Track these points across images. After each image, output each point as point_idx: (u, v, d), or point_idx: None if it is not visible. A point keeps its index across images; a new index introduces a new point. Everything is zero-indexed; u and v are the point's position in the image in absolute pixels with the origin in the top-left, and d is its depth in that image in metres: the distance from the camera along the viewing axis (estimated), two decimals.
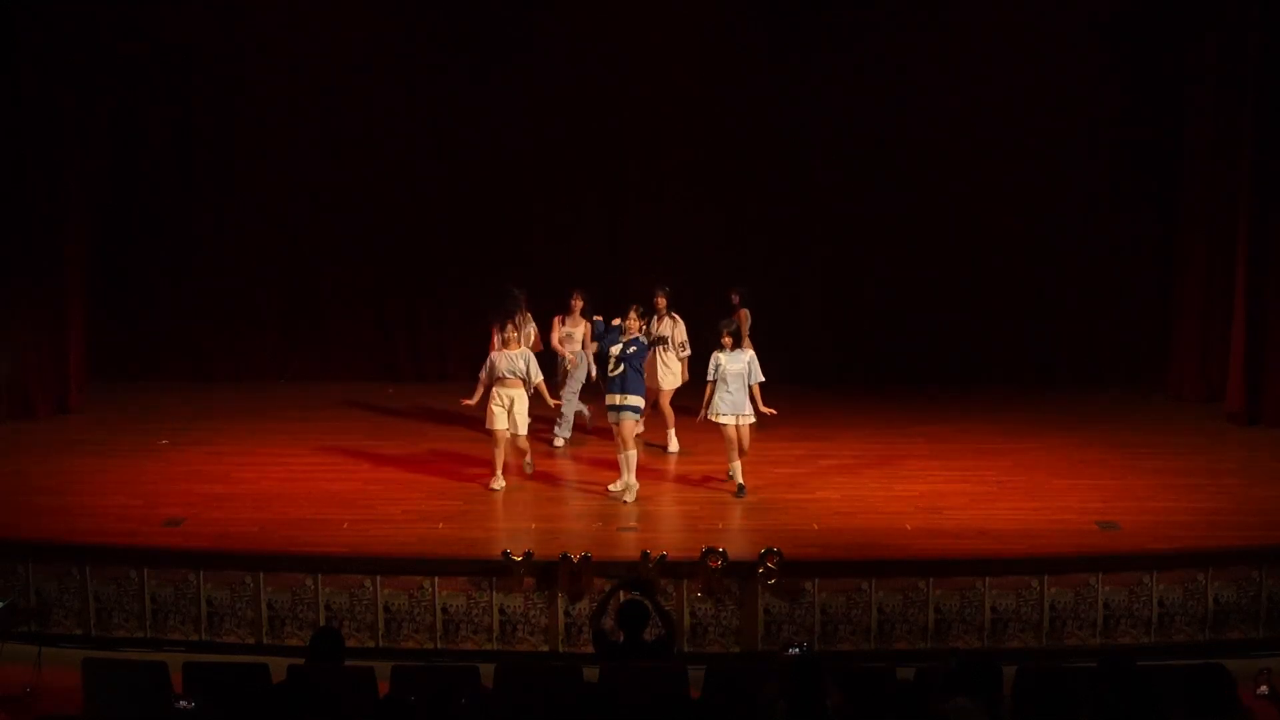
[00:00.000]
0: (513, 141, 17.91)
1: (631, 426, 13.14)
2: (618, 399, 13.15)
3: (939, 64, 17.48)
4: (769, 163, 17.88)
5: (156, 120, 17.82)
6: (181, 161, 17.90)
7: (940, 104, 17.55)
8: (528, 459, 13.79)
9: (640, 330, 13.44)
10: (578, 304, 14.99)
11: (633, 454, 13.10)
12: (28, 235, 16.01)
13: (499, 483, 13.34)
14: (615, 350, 13.19)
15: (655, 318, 14.64)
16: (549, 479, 13.93)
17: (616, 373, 13.17)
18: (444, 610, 11.35)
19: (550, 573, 11.24)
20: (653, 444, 14.65)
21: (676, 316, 14.77)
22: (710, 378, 13.12)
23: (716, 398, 13.06)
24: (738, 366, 13.00)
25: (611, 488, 13.30)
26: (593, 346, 14.41)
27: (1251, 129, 15.53)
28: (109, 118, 17.52)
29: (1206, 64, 16.22)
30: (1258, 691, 7.76)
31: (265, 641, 11.36)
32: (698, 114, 17.79)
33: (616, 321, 13.40)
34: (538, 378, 13.43)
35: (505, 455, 13.43)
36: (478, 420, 15.22)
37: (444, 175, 18.06)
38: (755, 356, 13.17)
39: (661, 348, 14.58)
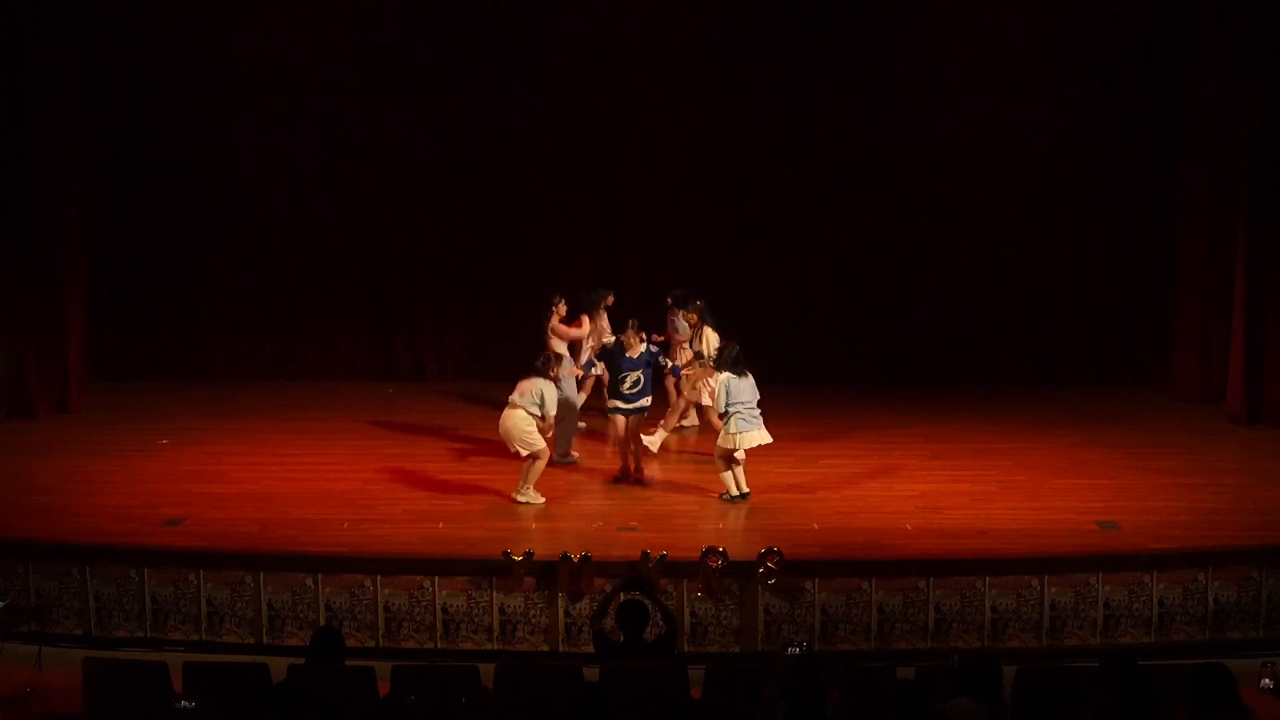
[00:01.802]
0: (514, 142, 17.86)
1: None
2: (638, 404, 13.58)
3: (939, 64, 17.45)
4: (770, 164, 17.81)
5: (156, 119, 17.77)
6: (181, 161, 17.86)
7: (940, 104, 17.51)
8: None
9: (640, 342, 13.64)
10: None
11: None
12: (28, 235, 16.00)
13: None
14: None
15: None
16: (549, 479, 13.93)
17: (638, 388, 13.53)
18: (444, 610, 11.35)
19: (550, 573, 11.24)
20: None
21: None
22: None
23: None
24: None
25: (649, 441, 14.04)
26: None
27: (1251, 129, 15.52)
28: (109, 117, 17.50)
29: (1206, 63, 16.20)
30: (1261, 684, 7.76)
31: (265, 641, 11.36)
32: (699, 114, 17.75)
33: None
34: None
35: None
36: (476, 421, 15.28)
37: (445, 175, 18.02)
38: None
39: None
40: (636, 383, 13.52)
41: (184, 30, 17.43)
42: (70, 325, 16.49)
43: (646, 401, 13.69)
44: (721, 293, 15.78)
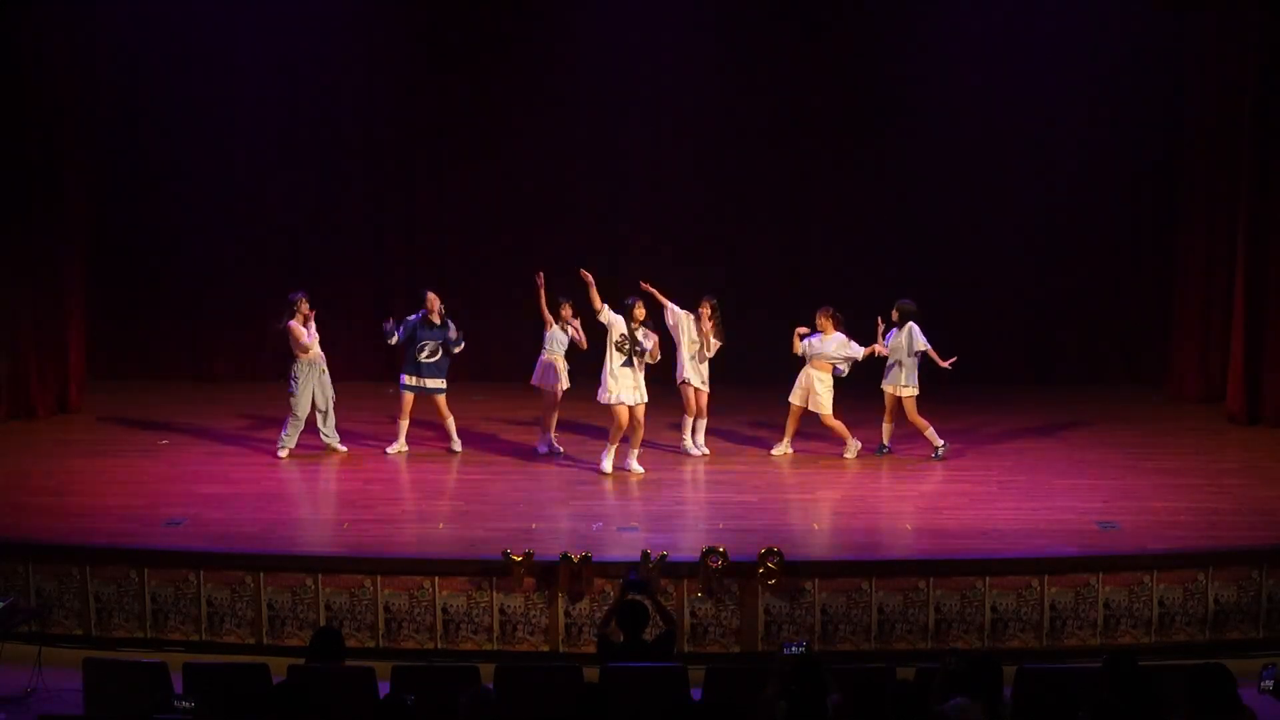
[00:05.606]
0: (512, 140, 17.89)
1: None
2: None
3: (940, 64, 17.48)
4: (769, 160, 17.86)
5: (157, 118, 17.80)
6: (181, 160, 17.88)
7: (942, 103, 17.55)
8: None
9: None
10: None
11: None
12: (28, 234, 16.01)
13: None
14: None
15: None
16: (549, 477, 13.92)
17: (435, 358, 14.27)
18: (444, 610, 11.34)
19: (550, 573, 11.23)
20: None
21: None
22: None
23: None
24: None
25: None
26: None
27: (1251, 128, 15.53)
28: (109, 118, 17.52)
29: (1206, 62, 16.22)
30: (1261, 686, 7.74)
31: (265, 641, 11.35)
32: (699, 112, 17.77)
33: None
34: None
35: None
36: (475, 421, 15.28)
37: (444, 176, 18.05)
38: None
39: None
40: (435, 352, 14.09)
41: (183, 32, 17.46)
42: (71, 325, 16.50)
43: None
44: (722, 292, 15.76)
